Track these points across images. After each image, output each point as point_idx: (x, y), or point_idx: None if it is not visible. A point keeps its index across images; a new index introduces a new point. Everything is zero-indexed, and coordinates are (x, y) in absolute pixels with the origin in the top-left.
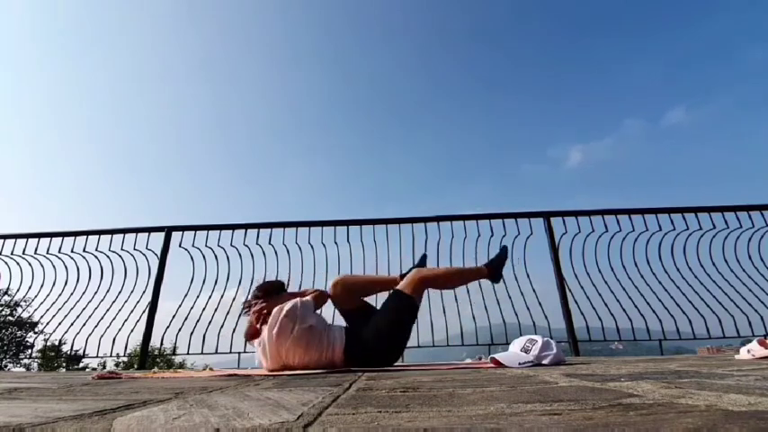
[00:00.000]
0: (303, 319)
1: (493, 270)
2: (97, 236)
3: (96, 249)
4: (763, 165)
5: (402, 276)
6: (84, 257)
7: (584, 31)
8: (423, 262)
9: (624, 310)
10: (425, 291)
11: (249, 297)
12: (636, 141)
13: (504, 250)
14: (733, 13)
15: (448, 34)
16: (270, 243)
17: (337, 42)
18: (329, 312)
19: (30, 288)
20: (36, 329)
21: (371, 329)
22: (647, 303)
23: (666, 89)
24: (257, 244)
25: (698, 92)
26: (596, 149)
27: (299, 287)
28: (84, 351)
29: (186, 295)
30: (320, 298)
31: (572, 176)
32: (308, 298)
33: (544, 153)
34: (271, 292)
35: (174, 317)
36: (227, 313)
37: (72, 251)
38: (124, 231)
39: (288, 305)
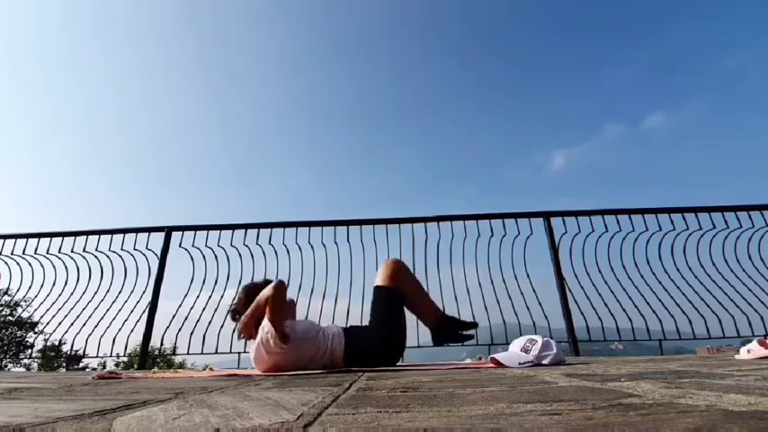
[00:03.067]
0: (277, 346)
1: (441, 322)
2: (97, 236)
3: (96, 249)
4: (746, 166)
5: (437, 312)
6: (84, 257)
7: (570, 35)
8: (472, 325)
9: (624, 310)
10: (398, 278)
11: (232, 306)
12: (617, 145)
13: (470, 324)
14: (707, 22)
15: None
16: (270, 243)
17: (338, 44)
18: (329, 311)
19: (30, 288)
20: (36, 329)
21: (370, 329)
22: (647, 303)
23: (647, 93)
24: (257, 244)
25: (677, 96)
26: (578, 153)
27: (299, 288)
28: (84, 351)
29: (186, 295)
30: (279, 301)
31: (557, 180)
32: (269, 325)
33: (527, 157)
34: (248, 300)
35: (174, 317)
36: (228, 313)
37: (72, 251)
38: (124, 231)
39: (260, 340)
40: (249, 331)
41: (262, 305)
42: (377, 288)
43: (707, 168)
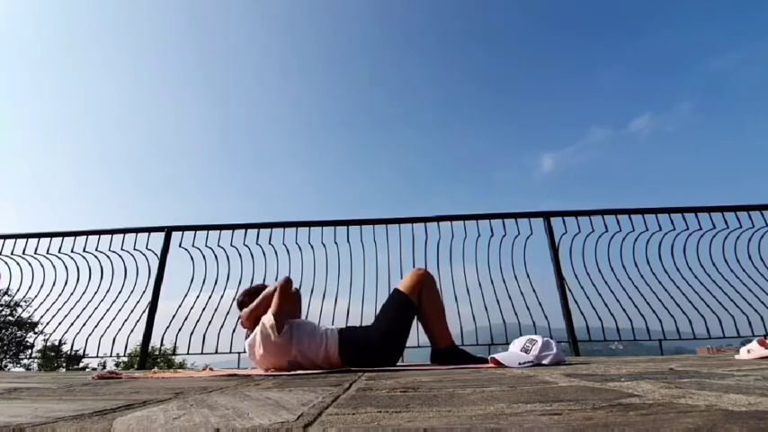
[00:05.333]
0: (271, 337)
1: (451, 351)
2: (97, 236)
3: (96, 249)
4: (731, 167)
5: (449, 341)
6: (84, 257)
7: (559, 38)
8: (482, 360)
9: (624, 310)
10: (422, 291)
11: (238, 297)
12: (604, 147)
13: (480, 360)
14: (691, 25)
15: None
16: (270, 243)
17: (338, 46)
18: (329, 311)
19: (30, 288)
20: (36, 330)
21: (372, 329)
22: (647, 303)
23: (632, 96)
24: (257, 244)
25: (662, 98)
26: (566, 156)
27: (300, 287)
28: (84, 351)
29: (186, 295)
30: (283, 295)
31: (546, 182)
32: (269, 316)
33: (516, 160)
34: (253, 296)
35: (174, 317)
36: (227, 313)
37: (72, 251)
38: (124, 231)
39: (258, 331)
40: (251, 321)
41: (269, 296)
42: (396, 291)
43: (693, 169)
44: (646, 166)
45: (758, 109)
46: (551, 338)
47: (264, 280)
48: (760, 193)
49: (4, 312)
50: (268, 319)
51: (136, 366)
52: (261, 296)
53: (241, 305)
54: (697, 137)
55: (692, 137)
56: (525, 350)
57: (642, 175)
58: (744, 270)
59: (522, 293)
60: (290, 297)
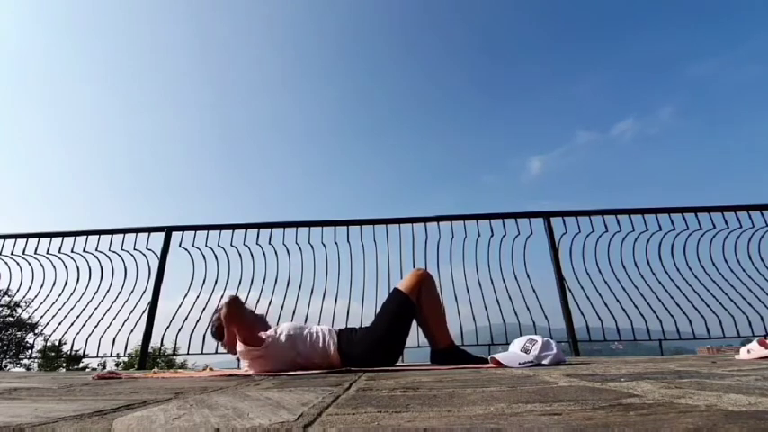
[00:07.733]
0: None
1: (452, 351)
2: (97, 236)
3: (96, 249)
4: (716, 168)
5: (449, 341)
6: (84, 257)
7: (541, 48)
8: (482, 360)
9: (624, 310)
10: (421, 291)
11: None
12: (590, 150)
13: (480, 360)
14: (675, 30)
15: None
16: (270, 243)
17: (338, 48)
18: (329, 311)
19: (30, 288)
20: (36, 331)
21: (371, 329)
22: (647, 303)
23: (617, 100)
24: (257, 244)
25: (643, 104)
26: (553, 159)
27: (299, 288)
28: (84, 351)
29: (186, 295)
30: (233, 320)
31: (535, 184)
32: (241, 346)
33: (504, 164)
34: (216, 333)
35: (174, 317)
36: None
37: (72, 251)
38: (124, 231)
39: (243, 360)
40: (233, 348)
41: (226, 324)
42: (396, 290)
43: (680, 169)
44: (631, 168)
45: (738, 112)
46: (551, 338)
47: (264, 280)
48: (740, 193)
49: (3, 313)
50: (243, 348)
51: (136, 366)
52: (225, 327)
53: (214, 336)
54: (679, 139)
55: (674, 139)
56: (525, 350)
57: (628, 176)
58: (744, 270)
59: (522, 293)
60: (242, 317)
